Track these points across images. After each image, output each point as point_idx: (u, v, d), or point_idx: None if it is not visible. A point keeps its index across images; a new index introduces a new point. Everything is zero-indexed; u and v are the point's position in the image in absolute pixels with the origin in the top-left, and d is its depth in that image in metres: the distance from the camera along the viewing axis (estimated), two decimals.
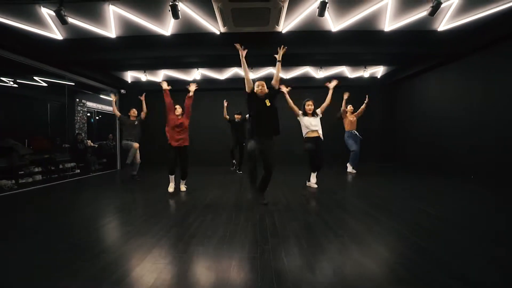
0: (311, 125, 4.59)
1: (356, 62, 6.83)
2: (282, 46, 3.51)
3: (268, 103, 3.36)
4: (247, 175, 3.57)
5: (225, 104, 6.62)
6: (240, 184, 5.20)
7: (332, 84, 4.87)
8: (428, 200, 3.71)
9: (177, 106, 4.54)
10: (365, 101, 6.32)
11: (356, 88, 8.97)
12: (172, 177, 4.57)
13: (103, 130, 10.73)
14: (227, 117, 6.60)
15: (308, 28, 4.90)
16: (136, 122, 5.98)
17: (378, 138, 8.75)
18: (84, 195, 4.72)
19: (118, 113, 5.92)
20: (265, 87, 3.43)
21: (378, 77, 8.38)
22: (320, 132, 4.63)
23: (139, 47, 5.58)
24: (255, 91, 3.39)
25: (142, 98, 5.86)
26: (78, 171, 8.37)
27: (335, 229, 2.64)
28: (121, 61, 6.32)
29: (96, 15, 4.32)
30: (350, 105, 6.38)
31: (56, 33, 4.76)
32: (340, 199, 3.92)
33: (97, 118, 11.20)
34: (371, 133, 8.45)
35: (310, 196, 4.16)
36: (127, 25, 4.64)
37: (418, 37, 5.23)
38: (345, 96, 6.17)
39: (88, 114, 10.52)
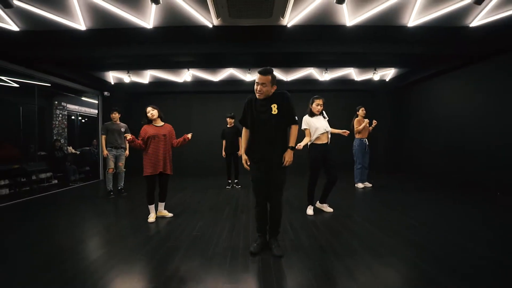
0: (322, 126, 3.67)
1: (367, 63, 6.08)
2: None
3: (275, 110, 2.37)
4: (255, 218, 2.64)
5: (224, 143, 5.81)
6: (236, 206, 4.39)
7: (346, 132, 4.15)
8: (482, 236, 2.93)
9: (149, 109, 3.54)
10: (372, 126, 5.57)
11: (362, 93, 8.30)
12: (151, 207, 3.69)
13: (87, 135, 9.83)
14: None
15: (318, 21, 4.13)
16: (123, 129, 5.14)
17: (385, 147, 8.03)
18: (49, 219, 3.84)
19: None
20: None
21: (387, 80, 7.66)
22: (329, 135, 3.80)
23: (115, 43, 4.73)
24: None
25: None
26: (56, 181, 7.48)
27: (362, 280, 1.97)
28: (96, 59, 5.42)
29: (57, 2, 3.49)
30: (363, 108, 5.59)
31: (9, 23, 3.89)
32: (360, 230, 3.13)
33: (83, 121, 10.31)
34: (377, 141, 7.74)
35: (322, 224, 3.37)
36: (98, 15, 3.81)
37: (444, 34, 4.49)
38: (373, 124, 5.52)
39: (73, 117, 9.64)
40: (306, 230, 3.18)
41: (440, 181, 6.21)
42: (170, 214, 3.79)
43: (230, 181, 5.96)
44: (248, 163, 2.50)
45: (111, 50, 4.79)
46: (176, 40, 4.71)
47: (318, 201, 4.02)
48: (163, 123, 3.65)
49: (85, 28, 4.04)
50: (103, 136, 5.03)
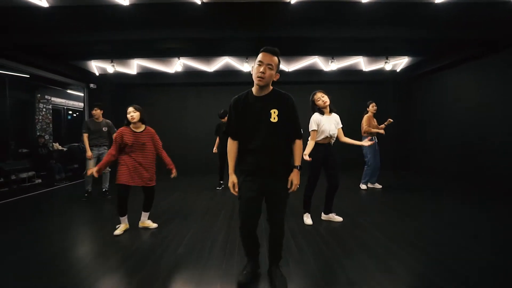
0: (331, 129, 3.13)
1: (379, 50, 5.44)
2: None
3: (274, 117, 1.77)
4: (241, 241, 2.02)
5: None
6: (232, 210, 3.85)
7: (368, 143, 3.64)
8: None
9: (130, 109, 2.96)
10: (387, 122, 5.03)
11: (369, 84, 7.68)
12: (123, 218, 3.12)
13: (75, 130, 9.23)
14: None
15: None
16: (105, 128, 4.60)
17: (392, 143, 7.45)
18: (20, 227, 3.30)
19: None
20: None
21: (398, 70, 7.04)
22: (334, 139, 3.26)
23: (87, 24, 4.07)
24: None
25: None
26: (39, 181, 6.93)
27: None
28: (68, 45, 4.73)
29: None
30: (373, 104, 5.02)
31: None
32: (370, 240, 2.61)
33: (75, 115, 9.69)
34: (384, 136, 7.16)
35: (330, 236, 2.83)
36: None
37: (477, 11, 3.84)
38: (387, 122, 5.03)
39: (59, 112, 9.01)
40: (311, 245, 2.66)
41: (455, 181, 5.69)
42: (154, 225, 3.23)
43: (222, 181, 5.43)
44: (236, 189, 1.85)
45: (83, 34, 4.13)
46: (158, 22, 4.07)
47: (322, 213, 3.47)
48: (144, 128, 3.06)
49: (48, 4, 3.38)
50: (85, 135, 4.50)
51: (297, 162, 1.88)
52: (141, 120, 3.01)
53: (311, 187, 3.25)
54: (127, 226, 3.15)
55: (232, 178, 1.88)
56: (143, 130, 3.04)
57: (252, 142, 1.79)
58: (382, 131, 4.97)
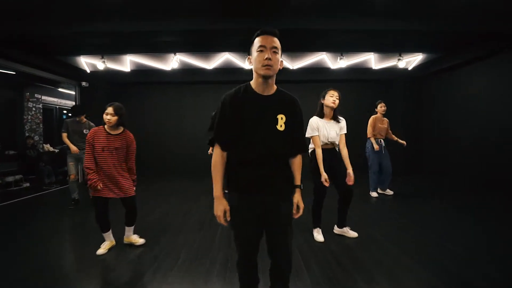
0: (330, 136, 2.76)
1: (394, 45, 5.01)
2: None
3: (281, 125, 1.37)
4: (239, 276, 1.55)
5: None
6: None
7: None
8: None
9: (109, 109, 2.49)
10: (399, 141, 4.74)
11: (377, 83, 7.28)
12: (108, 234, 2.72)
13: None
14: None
15: None
16: (86, 130, 4.20)
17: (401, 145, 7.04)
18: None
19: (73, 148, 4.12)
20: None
21: (409, 68, 6.62)
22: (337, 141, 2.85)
23: (71, 13, 3.62)
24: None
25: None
26: (27, 185, 6.51)
27: None
28: (51, 37, 4.28)
29: None
30: (382, 104, 4.62)
31: None
32: (391, 262, 2.19)
33: (69, 114, 9.24)
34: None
35: (344, 255, 2.42)
36: None
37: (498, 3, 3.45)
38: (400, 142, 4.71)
39: (50, 111, 8.57)
40: (323, 266, 2.28)
41: (471, 184, 5.30)
42: (141, 241, 2.79)
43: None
44: (228, 217, 1.39)
45: (70, 25, 3.70)
46: (152, 12, 3.64)
47: (336, 226, 3.07)
48: (121, 130, 2.61)
49: None
50: (64, 134, 4.13)
51: (299, 181, 1.48)
52: (119, 124, 2.57)
53: (318, 200, 2.85)
54: (113, 243, 2.73)
55: (223, 204, 1.39)
56: (120, 133, 2.59)
57: (251, 152, 1.35)
58: (395, 138, 4.71)
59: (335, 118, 2.82)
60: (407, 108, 7.10)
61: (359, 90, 7.29)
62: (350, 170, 2.74)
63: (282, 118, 1.37)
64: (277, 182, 1.39)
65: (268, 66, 1.30)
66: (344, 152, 2.83)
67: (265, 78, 1.33)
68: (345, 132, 2.84)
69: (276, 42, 1.32)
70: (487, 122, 5.24)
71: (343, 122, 2.86)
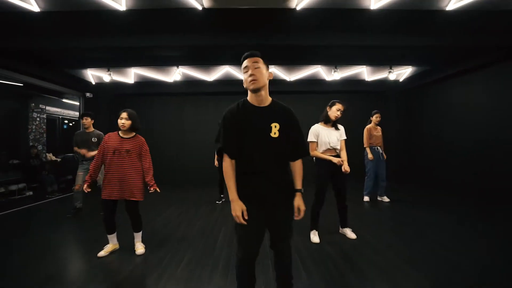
0: (331, 141, 3.01)
1: (384, 59, 5.31)
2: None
3: (275, 132, 1.57)
4: (237, 276, 1.68)
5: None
6: (234, 232, 3.59)
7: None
8: None
9: (124, 115, 2.71)
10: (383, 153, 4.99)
11: (369, 95, 7.56)
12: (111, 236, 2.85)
13: (70, 140, 8.96)
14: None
15: (336, 4, 3.36)
16: (94, 139, 4.36)
17: (396, 154, 7.27)
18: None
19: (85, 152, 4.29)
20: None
21: (400, 80, 6.92)
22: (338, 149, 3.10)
23: (81, 30, 3.89)
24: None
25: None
26: (30, 193, 6.64)
27: None
28: (61, 52, 4.56)
29: None
30: (378, 114, 4.86)
31: None
32: (385, 265, 2.36)
33: (71, 124, 9.44)
34: (388, 147, 6.99)
35: (342, 258, 2.57)
36: None
37: (487, 19, 3.74)
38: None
39: (53, 121, 8.77)
40: (319, 266, 2.44)
41: (464, 194, 5.46)
42: (141, 250, 2.81)
43: (222, 195, 5.16)
44: (246, 216, 1.53)
45: (77, 40, 3.95)
46: (157, 28, 3.90)
47: (340, 226, 3.34)
48: (133, 135, 2.81)
49: (38, 9, 3.21)
50: (75, 148, 4.37)
51: (299, 185, 1.65)
52: (133, 128, 2.78)
53: (318, 202, 3.07)
54: (116, 246, 2.85)
55: (239, 205, 1.53)
56: (132, 137, 2.79)
57: (251, 161, 1.56)
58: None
59: (334, 125, 3.10)
60: (399, 118, 7.35)
61: (352, 101, 7.55)
62: (345, 163, 3.02)
63: (275, 126, 1.57)
64: (276, 188, 1.58)
65: (253, 81, 1.55)
66: (343, 154, 3.10)
67: (255, 91, 1.58)
68: (345, 138, 3.13)
69: (257, 59, 1.58)
70: (477, 131, 5.42)
71: (342, 129, 3.14)
